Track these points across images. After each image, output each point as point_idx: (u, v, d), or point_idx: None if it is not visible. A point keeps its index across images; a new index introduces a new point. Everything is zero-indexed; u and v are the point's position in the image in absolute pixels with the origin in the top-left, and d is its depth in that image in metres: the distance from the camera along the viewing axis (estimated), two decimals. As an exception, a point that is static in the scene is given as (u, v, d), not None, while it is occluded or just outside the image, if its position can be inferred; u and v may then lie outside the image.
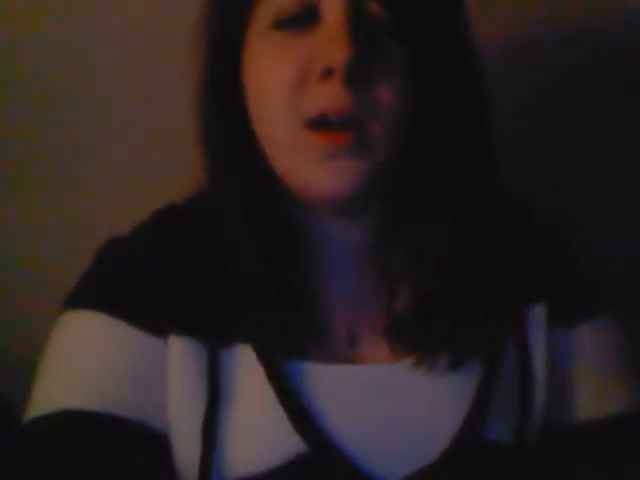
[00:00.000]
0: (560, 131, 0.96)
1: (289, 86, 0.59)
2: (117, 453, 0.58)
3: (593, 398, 0.68)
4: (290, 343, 0.63)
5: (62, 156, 0.91)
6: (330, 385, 0.63)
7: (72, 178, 0.91)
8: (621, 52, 0.95)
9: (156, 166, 0.86)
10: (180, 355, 0.61)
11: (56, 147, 0.91)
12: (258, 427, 0.61)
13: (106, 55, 0.89)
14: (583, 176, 0.96)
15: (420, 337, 0.64)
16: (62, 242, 0.89)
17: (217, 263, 0.63)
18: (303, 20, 0.59)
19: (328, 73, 0.57)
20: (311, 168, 0.59)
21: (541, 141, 0.95)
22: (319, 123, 0.58)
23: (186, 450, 0.60)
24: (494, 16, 0.92)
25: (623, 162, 0.97)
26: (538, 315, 0.68)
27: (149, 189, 0.78)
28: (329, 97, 0.58)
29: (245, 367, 0.62)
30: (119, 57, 0.89)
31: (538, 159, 0.95)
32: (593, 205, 0.95)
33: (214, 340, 0.62)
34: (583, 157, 0.96)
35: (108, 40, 0.88)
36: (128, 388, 0.60)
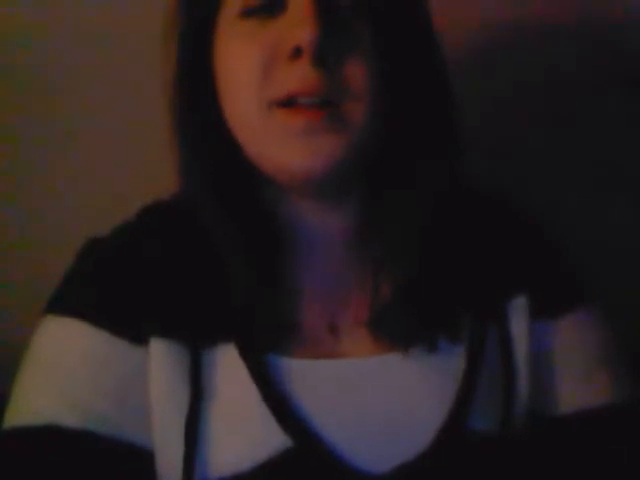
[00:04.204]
0: (558, 131, 0.96)
1: (258, 69, 0.59)
2: (97, 473, 0.59)
3: (576, 389, 0.68)
4: (272, 338, 0.63)
5: (61, 155, 0.92)
6: (313, 380, 0.63)
7: (70, 177, 0.92)
8: (621, 52, 0.95)
9: (147, 162, 0.86)
10: (162, 357, 0.61)
11: (52, 147, 0.91)
12: (242, 424, 0.61)
13: (96, 53, 0.89)
14: (578, 175, 0.96)
15: (404, 328, 0.65)
16: (56, 240, 0.89)
17: (199, 261, 0.64)
18: (270, 8, 0.60)
19: (296, 54, 0.58)
20: (284, 147, 0.59)
21: (539, 141, 0.95)
22: (289, 104, 0.59)
23: (170, 453, 0.60)
24: (492, 15, 0.92)
25: (620, 162, 0.97)
26: (520, 307, 0.68)
27: (137, 186, 0.78)
28: (298, 78, 0.58)
29: (227, 366, 0.62)
30: (109, 56, 0.89)
31: (534, 158, 0.95)
32: (585, 203, 0.95)
33: (196, 341, 0.62)
34: (581, 157, 0.96)
35: (98, 40, 0.89)
36: (111, 403, 0.60)
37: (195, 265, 0.64)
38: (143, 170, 0.88)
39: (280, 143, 0.60)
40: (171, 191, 0.68)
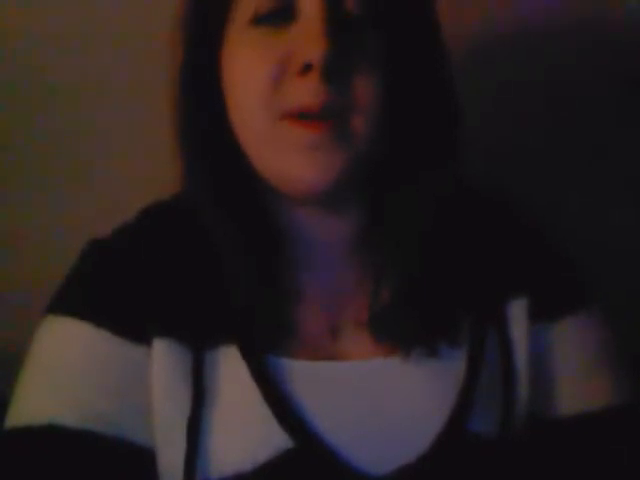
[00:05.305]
0: (558, 131, 0.96)
1: (267, 81, 0.59)
2: (98, 472, 0.59)
3: (577, 391, 0.69)
4: (273, 339, 0.63)
5: (60, 156, 0.92)
6: (314, 381, 0.63)
7: (70, 177, 0.92)
8: (621, 52, 0.95)
9: (147, 163, 0.86)
10: (164, 358, 0.61)
11: (51, 148, 0.91)
12: (243, 425, 0.61)
13: (98, 54, 0.89)
14: (578, 175, 0.96)
15: (404, 330, 0.65)
16: (56, 241, 0.89)
17: (200, 262, 0.64)
18: (281, 16, 0.60)
19: (306, 69, 0.58)
20: (290, 160, 0.60)
21: (539, 141, 0.96)
22: (296, 117, 0.59)
23: (171, 453, 0.61)
24: (492, 15, 0.93)
25: (620, 162, 0.97)
26: (520, 309, 0.68)
27: (140, 186, 0.78)
28: (307, 93, 0.58)
29: (229, 367, 0.62)
30: (111, 56, 0.89)
31: (534, 158, 0.95)
32: (585, 204, 0.96)
33: (198, 342, 0.62)
34: (581, 157, 0.96)
35: (98, 41, 0.89)
36: (112, 402, 0.60)
37: (196, 266, 0.64)
38: (144, 171, 0.88)
39: (284, 156, 0.60)
40: (171, 192, 0.68)
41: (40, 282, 0.85)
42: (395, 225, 0.65)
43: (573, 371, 0.69)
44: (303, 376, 0.63)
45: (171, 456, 0.61)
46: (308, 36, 0.58)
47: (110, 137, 0.91)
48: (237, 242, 0.63)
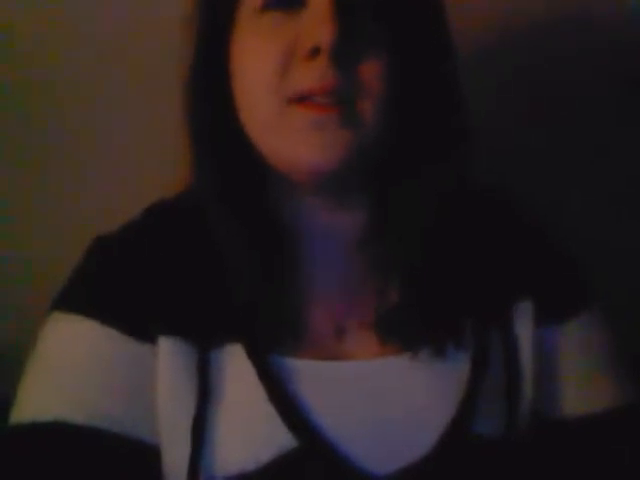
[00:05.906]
0: (558, 131, 0.96)
1: (274, 66, 0.59)
2: (102, 468, 0.59)
3: (580, 393, 0.69)
4: (277, 337, 0.63)
5: (60, 154, 0.92)
6: (319, 381, 0.63)
7: (71, 176, 0.92)
8: (621, 52, 0.95)
9: (149, 162, 0.87)
10: (169, 356, 0.61)
11: (52, 146, 0.91)
12: (248, 424, 0.61)
13: (98, 52, 0.89)
14: (578, 175, 0.96)
15: (409, 330, 0.65)
16: (57, 240, 0.89)
17: (205, 260, 0.64)
18: (290, 2, 0.60)
19: (314, 53, 0.58)
20: (296, 141, 0.60)
21: (539, 141, 0.96)
22: (304, 100, 0.59)
23: (176, 451, 0.60)
24: (492, 15, 0.93)
25: (619, 162, 0.97)
26: (525, 312, 0.68)
27: (145, 183, 0.78)
28: (315, 76, 0.58)
29: (234, 366, 0.62)
30: (116, 54, 0.89)
31: (534, 158, 0.95)
32: (585, 203, 0.96)
33: (203, 340, 0.62)
34: (581, 157, 0.96)
35: (104, 37, 0.89)
36: (118, 401, 0.60)
37: (201, 264, 0.64)
38: (144, 171, 0.88)
39: (292, 137, 0.60)
40: (173, 192, 0.68)
41: (41, 282, 0.85)
42: (397, 219, 0.65)
43: (576, 372, 0.69)
44: (308, 376, 0.63)
45: (176, 454, 0.60)
46: (316, 20, 0.58)
47: (110, 137, 0.91)
48: (241, 237, 0.63)
